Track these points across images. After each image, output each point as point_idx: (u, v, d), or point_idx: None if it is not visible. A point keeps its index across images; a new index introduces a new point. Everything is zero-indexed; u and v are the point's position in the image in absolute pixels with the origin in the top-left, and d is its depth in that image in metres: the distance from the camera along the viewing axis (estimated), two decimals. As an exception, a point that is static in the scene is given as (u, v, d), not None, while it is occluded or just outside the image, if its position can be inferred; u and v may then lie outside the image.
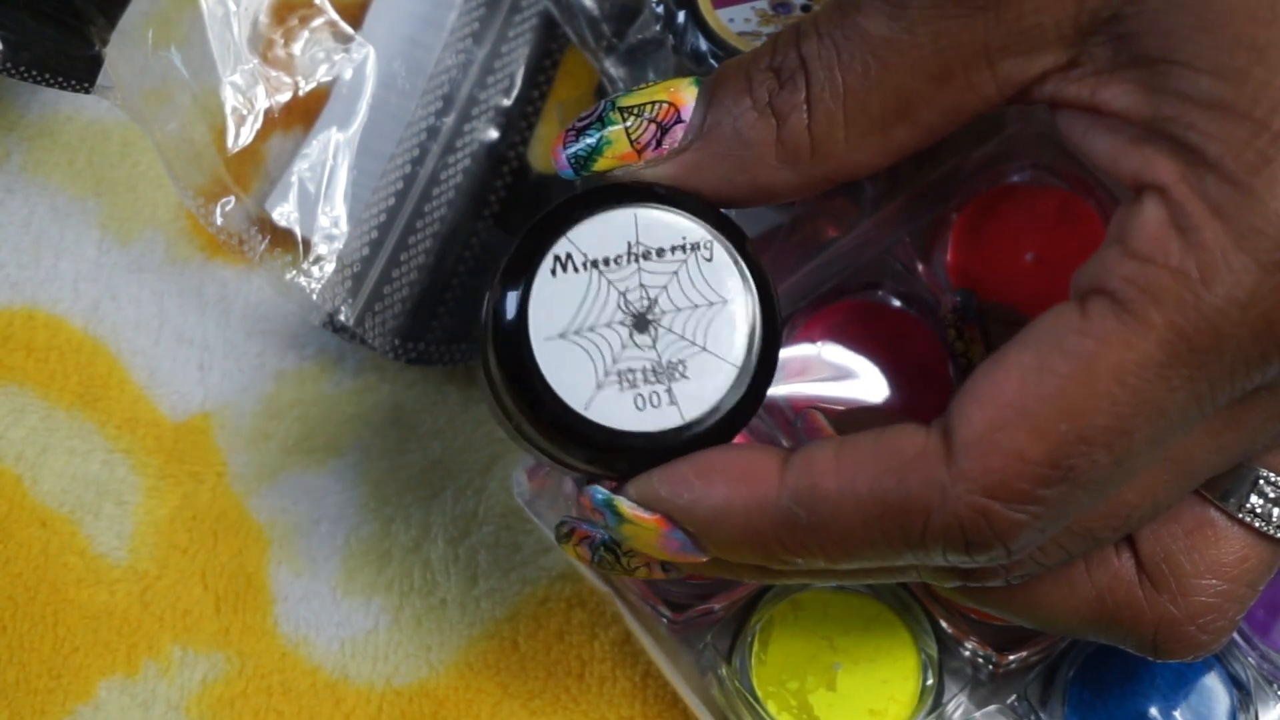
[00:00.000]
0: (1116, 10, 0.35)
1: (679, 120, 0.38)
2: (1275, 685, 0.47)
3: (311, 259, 0.50)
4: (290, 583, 0.50)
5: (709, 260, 0.38)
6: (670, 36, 0.47)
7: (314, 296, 0.50)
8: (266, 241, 0.50)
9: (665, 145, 0.38)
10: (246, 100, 0.51)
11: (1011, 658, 0.47)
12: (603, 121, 0.39)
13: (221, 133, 0.51)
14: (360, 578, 0.50)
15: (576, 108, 0.53)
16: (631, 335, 0.38)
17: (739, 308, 0.38)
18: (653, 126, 0.38)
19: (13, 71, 0.50)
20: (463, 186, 0.51)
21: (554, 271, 0.38)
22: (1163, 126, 0.34)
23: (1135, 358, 0.34)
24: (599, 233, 0.38)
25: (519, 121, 0.52)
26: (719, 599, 0.47)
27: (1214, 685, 0.47)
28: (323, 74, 0.52)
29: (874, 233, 0.47)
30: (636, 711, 0.49)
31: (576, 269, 0.38)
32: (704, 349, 0.38)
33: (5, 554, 0.50)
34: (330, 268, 0.50)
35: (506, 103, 0.52)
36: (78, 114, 0.53)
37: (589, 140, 0.39)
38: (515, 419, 0.38)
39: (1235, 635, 0.47)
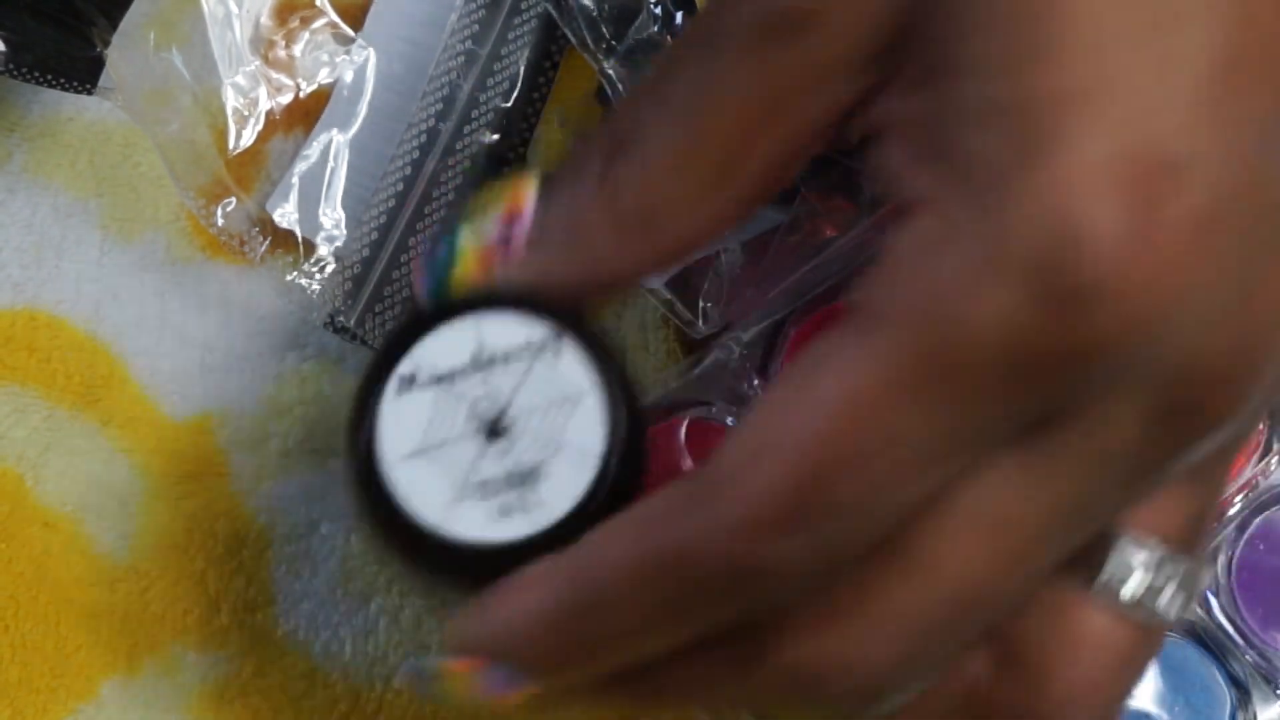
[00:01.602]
0: (911, 20, 0.33)
1: (521, 221, 0.37)
2: (1274, 685, 0.47)
3: (312, 260, 0.50)
4: (290, 582, 0.50)
5: (558, 357, 0.38)
6: (668, 38, 0.47)
7: (314, 297, 0.50)
8: (267, 242, 0.50)
9: (511, 250, 0.37)
10: (248, 102, 0.51)
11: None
12: (452, 236, 0.38)
13: (223, 134, 0.51)
14: (360, 578, 0.50)
15: (577, 108, 0.53)
16: (485, 444, 0.37)
17: (595, 401, 0.37)
18: (498, 232, 0.37)
19: (14, 73, 0.50)
20: (463, 188, 0.51)
21: (399, 392, 0.37)
22: (938, 139, 0.32)
23: (874, 382, 0.31)
24: (442, 346, 0.38)
25: (519, 123, 0.52)
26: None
27: (1213, 685, 0.47)
28: (324, 76, 0.52)
29: (873, 233, 0.47)
30: (637, 711, 0.49)
31: (422, 386, 0.38)
32: (562, 448, 0.37)
33: (8, 554, 0.50)
34: (331, 269, 0.50)
35: (506, 104, 0.52)
36: (79, 115, 0.53)
37: (442, 256, 0.38)
38: (377, 542, 0.38)
39: (1234, 634, 0.47)
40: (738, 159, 0.35)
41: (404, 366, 0.38)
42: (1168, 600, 0.35)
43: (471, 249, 0.38)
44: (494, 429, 0.37)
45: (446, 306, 0.38)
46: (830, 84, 0.34)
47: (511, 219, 0.37)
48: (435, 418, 0.37)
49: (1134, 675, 0.36)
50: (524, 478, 0.37)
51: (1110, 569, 0.35)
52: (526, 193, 0.37)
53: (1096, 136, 0.30)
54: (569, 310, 0.38)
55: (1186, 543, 0.35)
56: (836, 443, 0.32)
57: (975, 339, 0.31)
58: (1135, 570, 0.35)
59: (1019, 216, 0.30)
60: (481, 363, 0.37)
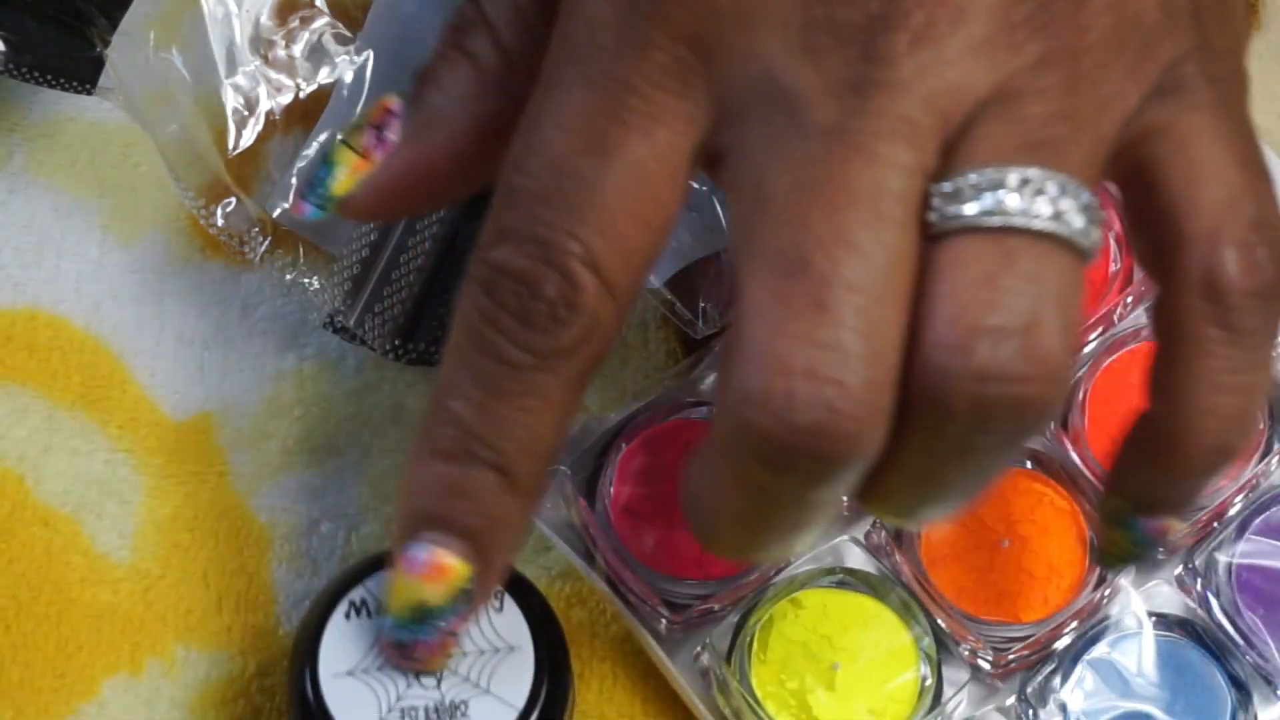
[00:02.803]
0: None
1: (391, 114, 0.41)
2: (1274, 685, 0.47)
3: (312, 260, 0.50)
4: (292, 581, 0.50)
5: (499, 610, 0.42)
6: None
7: (314, 297, 0.50)
8: (267, 242, 0.50)
9: (389, 141, 0.41)
10: (248, 102, 0.51)
11: (1011, 657, 0.46)
12: (325, 154, 0.42)
13: (223, 134, 0.51)
14: (360, 577, 0.50)
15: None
16: (417, 675, 0.41)
17: (525, 655, 0.42)
18: (371, 131, 0.41)
19: (15, 73, 0.50)
20: (462, 187, 0.51)
21: (348, 615, 0.42)
22: None
23: None
24: None
25: (519, 122, 0.52)
26: (719, 598, 0.47)
27: (1214, 685, 0.47)
28: (324, 76, 0.52)
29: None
30: (637, 711, 0.49)
31: (370, 614, 0.42)
32: (487, 691, 0.41)
33: (8, 554, 0.50)
34: (330, 269, 0.50)
35: (506, 104, 0.52)
36: (79, 115, 0.53)
37: (321, 174, 0.41)
38: None
39: (1235, 635, 0.47)
40: None
41: (355, 594, 0.42)
42: None
43: (345, 157, 0.41)
44: None
45: None
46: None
47: (382, 125, 0.41)
48: (376, 644, 0.42)
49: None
50: (447, 712, 0.41)
51: None
52: (393, 100, 0.41)
53: None
54: (516, 574, 0.42)
55: None
56: None
57: None
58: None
59: None
60: None
